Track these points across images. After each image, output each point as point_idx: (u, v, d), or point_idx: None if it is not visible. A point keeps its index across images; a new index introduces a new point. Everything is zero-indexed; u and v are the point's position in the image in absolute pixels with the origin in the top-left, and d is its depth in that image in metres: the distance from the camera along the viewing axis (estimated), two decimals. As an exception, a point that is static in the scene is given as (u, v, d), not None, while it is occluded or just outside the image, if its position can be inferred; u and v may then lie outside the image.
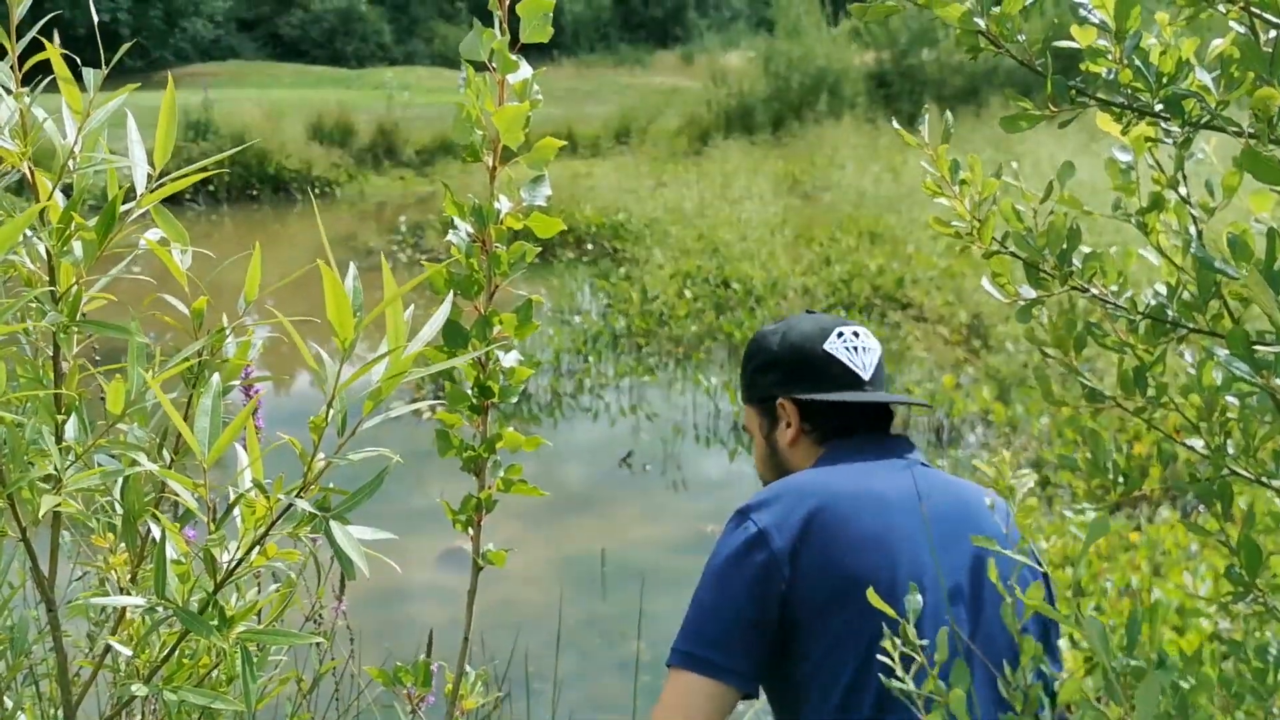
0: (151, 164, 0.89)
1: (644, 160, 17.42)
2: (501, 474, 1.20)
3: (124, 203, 0.87)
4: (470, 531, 1.21)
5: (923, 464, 1.71)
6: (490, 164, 1.17)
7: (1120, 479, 1.09)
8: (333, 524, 0.79)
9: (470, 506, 1.20)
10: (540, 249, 1.18)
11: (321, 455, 0.83)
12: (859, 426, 1.74)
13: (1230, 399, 1.17)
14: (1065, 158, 1.13)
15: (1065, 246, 0.99)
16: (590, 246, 12.45)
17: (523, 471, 1.22)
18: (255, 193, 16.50)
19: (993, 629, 1.58)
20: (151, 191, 0.83)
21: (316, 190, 16.92)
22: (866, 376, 1.73)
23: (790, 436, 1.78)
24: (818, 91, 19.92)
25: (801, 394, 1.75)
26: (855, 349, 1.76)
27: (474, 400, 1.18)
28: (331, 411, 0.82)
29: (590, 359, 8.38)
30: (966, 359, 7.51)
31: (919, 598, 1.52)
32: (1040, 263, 1.00)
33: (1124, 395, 1.08)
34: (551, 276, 11.19)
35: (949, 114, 1.11)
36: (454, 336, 1.16)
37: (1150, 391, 1.08)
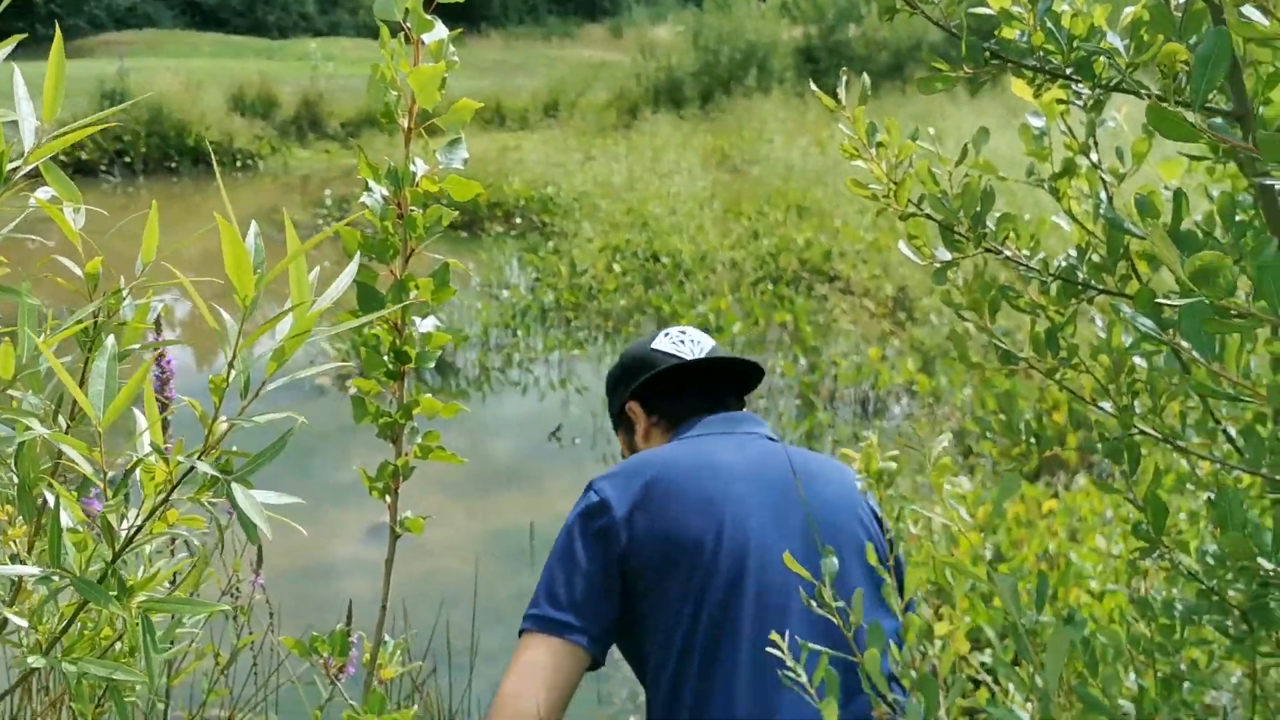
0: (39, 119, 0.85)
1: (572, 134, 17.32)
2: (419, 440, 1.18)
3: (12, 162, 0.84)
4: (388, 500, 1.19)
5: (771, 438, 1.78)
6: (405, 126, 1.14)
7: (1033, 440, 1.10)
8: (234, 487, 0.77)
9: (387, 474, 1.18)
10: (457, 211, 1.16)
11: (224, 418, 0.81)
12: (701, 408, 1.83)
13: (1139, 362, 1.19)
14: (974, 124, 1.14)
15: (979, 208, 1.00)
16: (518, 220, 12.37)
17: (441, 439, 1.20)
18: (174, 165, 16.10)
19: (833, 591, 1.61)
20: (39, 148, 0.80)
21: (239, 163, 16.57)
22: (700, 354, 1.85)
23: (643, 432, 1.88)
24: (746, 66, 19.96)
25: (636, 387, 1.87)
26: (681, 341, 1.87)
27: (390, 366, 1.16)
28: (234, 373, 0.79)
29: (519, 333, 8.33)
30: (892, 331, 7.61)
31: (736, 558, 1.57)
32: (955, 225, 1.01)
33: (1036, 357, 1.09)
34: (479, 250, 11.10)
35: (865, 77, 1.11)
36: (369, 301, 1.14)
37: (1062, 353, 1.10)
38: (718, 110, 18.54)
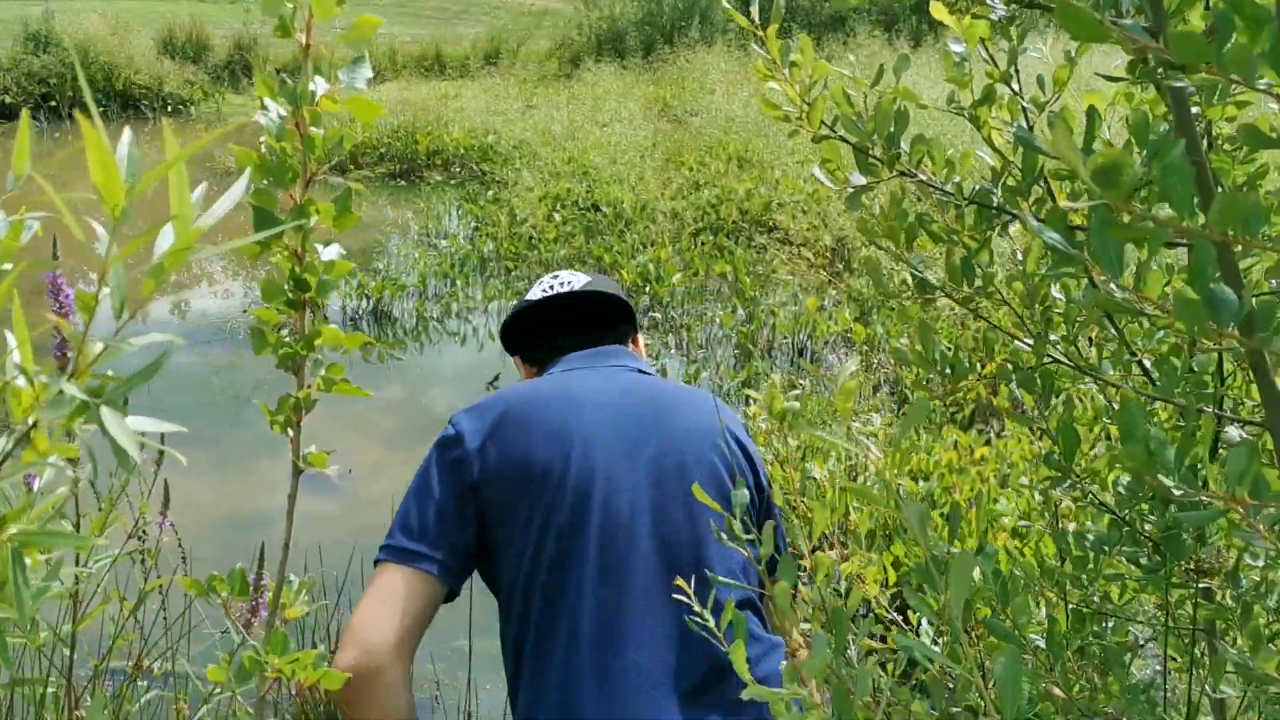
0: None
1: (513, 83, 17.09)
2: (323, 373, 1.14)
3: None
4: (290, 433, 1.15)
5: (643, 371, 1.78)
6: (303, 41, 1.09)
7: (948, 370, 1.09)
8: (104, 410, 0.73)
9: (288, 407, 1.14)
10: (363, 126, 1.10)
11: (99, 339, 0.76)
12: (567, 346, 1.84)
13: (1057, 295, 1.18)
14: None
15: (893, 129, 0.97)
16: (458, 169, 12.20)
17: (344, 371, 1.16)
18: (103, 109, 15.64)
19: (674, 529, 1.60)
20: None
21: (169, 108, 16.14)
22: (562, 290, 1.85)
23: (526, 378, 1.89)
24: (689, 17, 19.79)
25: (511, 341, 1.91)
26: (551, 287, 1.88)
27: (289, 295, 1.11)
28: (105, 290, 0.75)
29: (457, 282, 8.24)
30: (830, 281, 7.63)
31: (582, 489, 1.56)
32: (869, 147, 0.98)
33: (952, 285, 1.07)
34: (417, 199, 10.94)
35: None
36: (266, 225, 1.09)
37: (978, 282, 1.08)
38: (660, 61, 18.39)
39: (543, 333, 1.89)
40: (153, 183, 0.74)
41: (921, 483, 4.38)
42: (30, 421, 0.76)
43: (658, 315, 7.50)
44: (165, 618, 1.67)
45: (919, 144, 0.98)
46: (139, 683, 1.66)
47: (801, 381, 5.60)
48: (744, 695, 0.99)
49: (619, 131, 12.28)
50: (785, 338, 6.72)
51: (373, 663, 1.45)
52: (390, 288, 7.75)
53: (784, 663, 1.00)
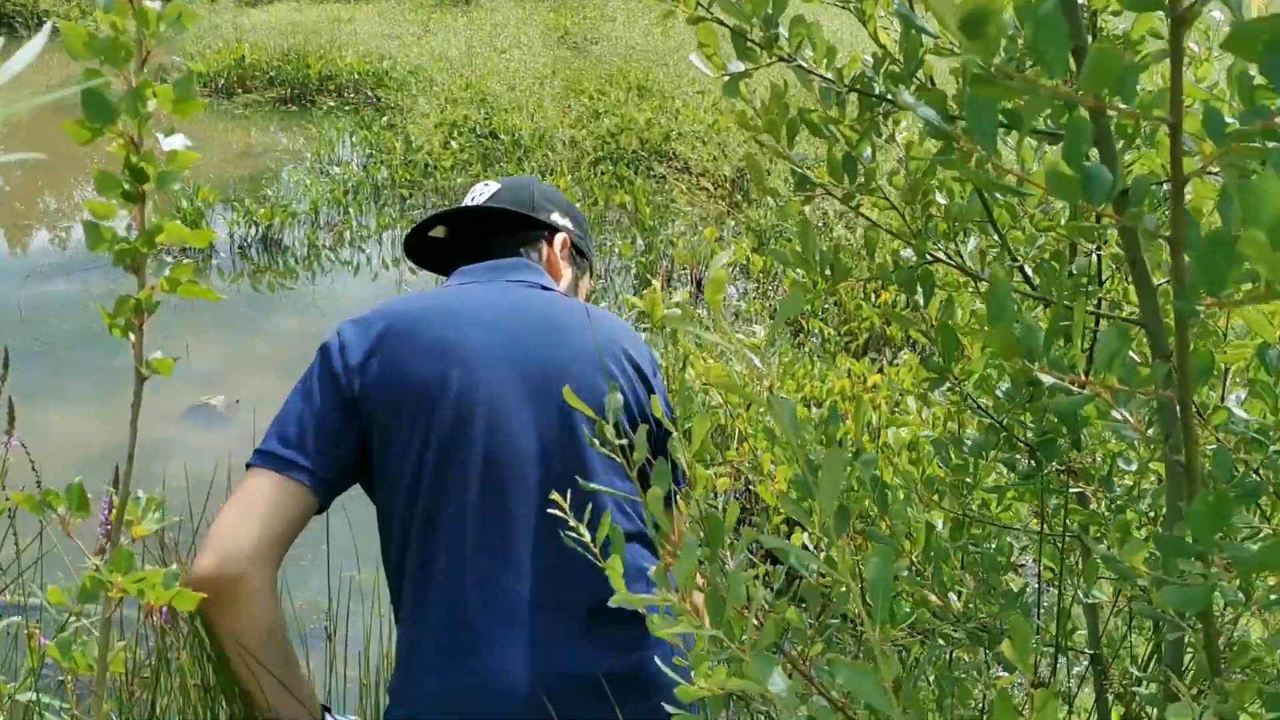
0: None
1: (409, 7, 16.61)
2: (167, 273, 1.06)
3: None
4: (131, 338, 1.07)
5: (545, 287, 1.70)
6: (137, -92, 0.99)
7: (828, 270, 1.05)
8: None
9: (128, 308, 1.05)
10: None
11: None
12: (468, 256, 1.78)
13: (940, 199, 1.15)
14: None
15: (770, 10, 0.92)
16: (351, 94, 11.84)
17: (192, 271, 1.08)
18: (-30, 27, 14.82)
19: (558, 456, 1.55)
20: None
21: (43, 25, 15.34)
22: (468, 204, 1.78)
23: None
24: (592, -59, 19.42)
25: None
26: (473, 197, 1.81)
27: (126, 186, 1.03)
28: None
29: (351, 210, 8.02)
30: (729, 212, 7.61)
31: (463, 408, 1.52)
32: (747, 30, 0.93)
33: (833, 182, 1.04)
34: (309, 124, 10.61)
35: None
36: (97, 109, 1.00)
37: (860, 179, 1.04)
38: (561, -13, 18.06)
39: (455, 245, 1.83)
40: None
41: (815, 409, 4.42)
42: None
43: (556, 245, 7.41)
44: (16, 543, 1.58)
45: (798, 26, 0.94)
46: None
47: (700, 312, 5.58)
48: (612, 603, 0.95)
49: (518, 58, 12.04)
50: (684, 268, 6.70)
51: (233, 569, 1.38)
52: (281, 215, 7.51)
53: (653, 568, 0.97)
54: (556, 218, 1.84)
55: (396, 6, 16.60)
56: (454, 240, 1.86)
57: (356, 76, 11.97)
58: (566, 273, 1.83)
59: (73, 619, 1.50)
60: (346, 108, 11.43)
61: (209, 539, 1.40)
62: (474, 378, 1.53)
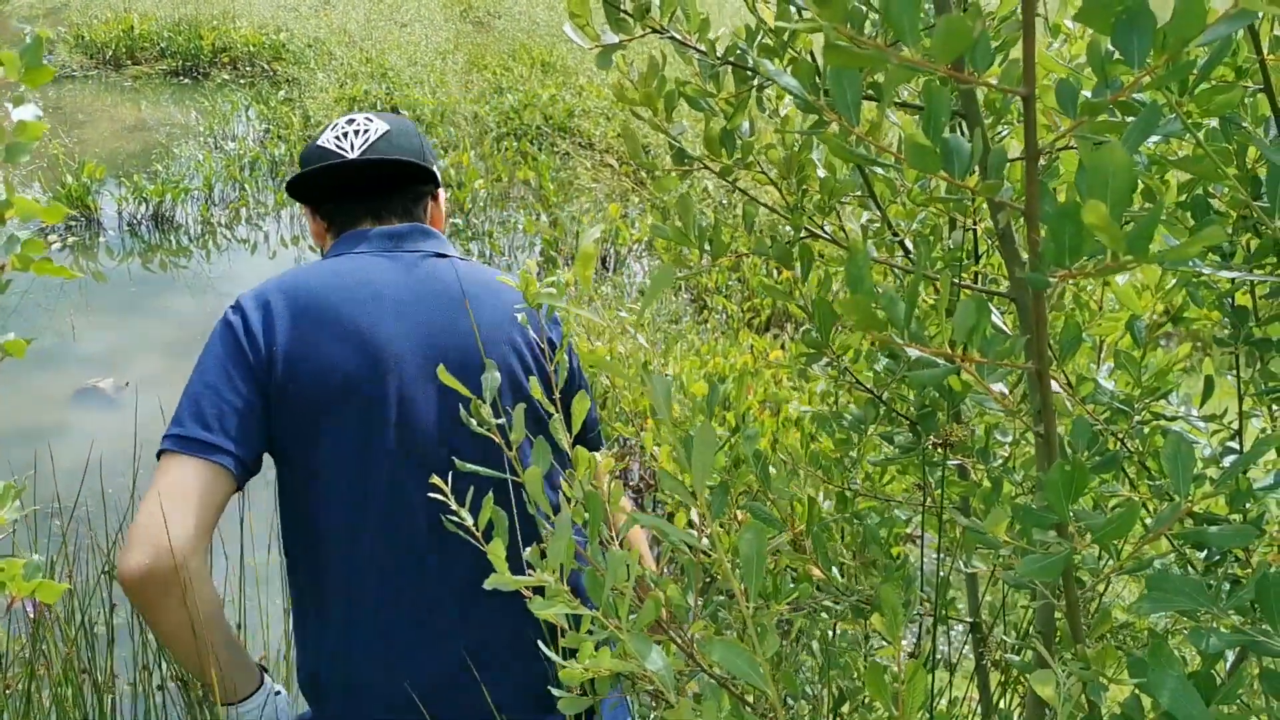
0: None
1: (308, -22, 16.21)
2: (19, 250, 1.01)
3: None
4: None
5: (440, 254, 1.66)
6: None
7: (707, 244, 1.05)
8: None
9: (-24, 287, 1.00)
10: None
11: None
12: (363, 214, 1.69)
13: (822, 173, 1.15)
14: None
15: (643, -21, 0.91)
16: (247, 67, 11.52)
17: (46, 249, 1.03)
18: None
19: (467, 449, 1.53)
20: None
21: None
22: (352, 155, 1.64)
23: (317, 234, 1.72)
24: (495, -85, 19.15)
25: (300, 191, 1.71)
26: (345, 134, 1.67)
27: (-29, 158, 0.97)
28: None
29: (246, 187, 7.82)
30: (633, 189, 7.60)
31: (382, 398, 1.50)
32: (619, 1, 0.92)
33: (710, 156, 1.03)
34: (202, 98, 10.29)
35: None
36: (-64, 77, 0.94)
37: (737, 153, 1.04)
38: (464, -40, 17.78)
39: (346, 198, 1.69)
40: None
41: (719, 384, 4.42)
42: None
43: (459, 222, 7.32)
44: None
45: (669, -2, 0.92)
46: None
47: (604, 290, 5.57)
48: (487, 584, 0.94)
49: (419, 32, 11.84)
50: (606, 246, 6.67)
51: (168, 561, 1.34)
52: (173, 191, 7.28)
53: (530, 548, 0.96)
54: (437, 167, 1.77)
55: (294, -23, 16.19)
56: (342, 187, 1.71)
57: (252, 49, 11.65)
58: (445, 222, 1.80)
59: (-66, 613, 1.44)
60: (241, 81, 11.12)
61: (135, 532, 1.35)
62: (391, 370, 1.51)
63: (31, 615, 1.52)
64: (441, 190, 1.78)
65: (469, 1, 14.47)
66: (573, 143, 8.57)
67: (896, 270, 1.18)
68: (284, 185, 1.74)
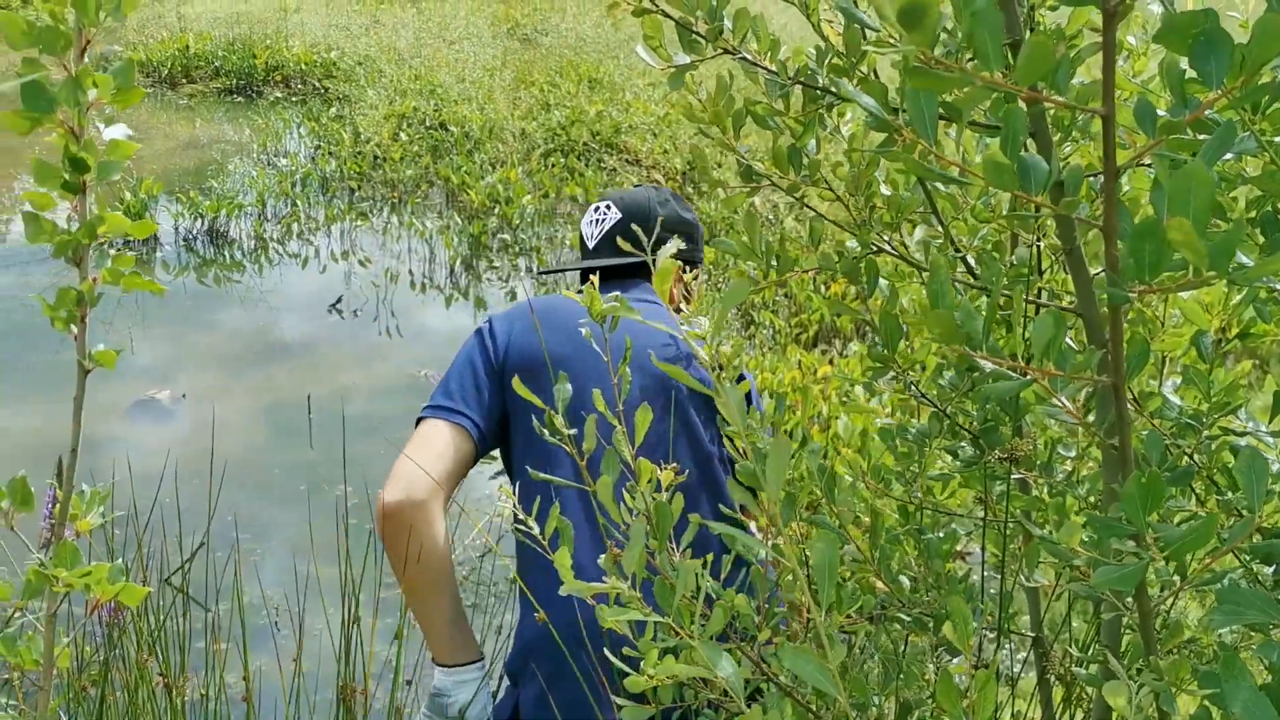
0: None
1: (357, -3, 16.46)
2: (109, 264, 1.05)
3: None
4: (73, 330, 1.06)
5: (654, 302, 1.92)
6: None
7: (774, 260, 1.06)
8: None
9: (70, 300, 1.04)
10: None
11: None
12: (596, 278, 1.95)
13: (884, 190, 1.16)
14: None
15: (715, 2, 0.93)
16: (299, 85, 11.71)
17: (134, 263, 1.07)
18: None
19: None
20: None
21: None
22: (591, 245, 2.02)
23: None
24: (541, -67, 19.33)
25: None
26: (593, 222, 2.05)
27: (67, 176, 1.01)
28: None
29: (298, 202, 7.93)
30: (680, 204, 7.61)
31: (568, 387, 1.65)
32: (692, 22, 0.94)
33: (778, 173, 1.05)
34: (255, 116, 10.47)
35: None
36: (36, 99, 0.98)
37: (804, 170, 1.05)
38: (511, -22, 17.95)
39: (583, 274, 2.03)
40: None
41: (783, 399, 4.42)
42: None
43: (507, 237, 7.38)
44: (-45, 539, 1.54)
45: (743, 19, 0.94)
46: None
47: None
48: (561, 592, 0.96)
49: (467, 50, 11.96)
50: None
51: (416, 496, 1.62)
52: (226, 207, 7.41)
53: (603, 556, 0.98)
54: (671, 244, 1.96)
55: (344, -3, 16.43)
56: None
57: (304, 67, 11.84)
58: (677, 290, 2.04)
59: (17, 615, 1.48)
60: (294, 99, 11.30)
61: (393, 476, 1.65)
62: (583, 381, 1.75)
63: (107, 619, 1.57)
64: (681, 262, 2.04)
65: (516, 19, 14.60)
66: (619, 158, 8.62)
67: (958, 285, 1.19)
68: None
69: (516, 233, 7.47)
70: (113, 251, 1.06)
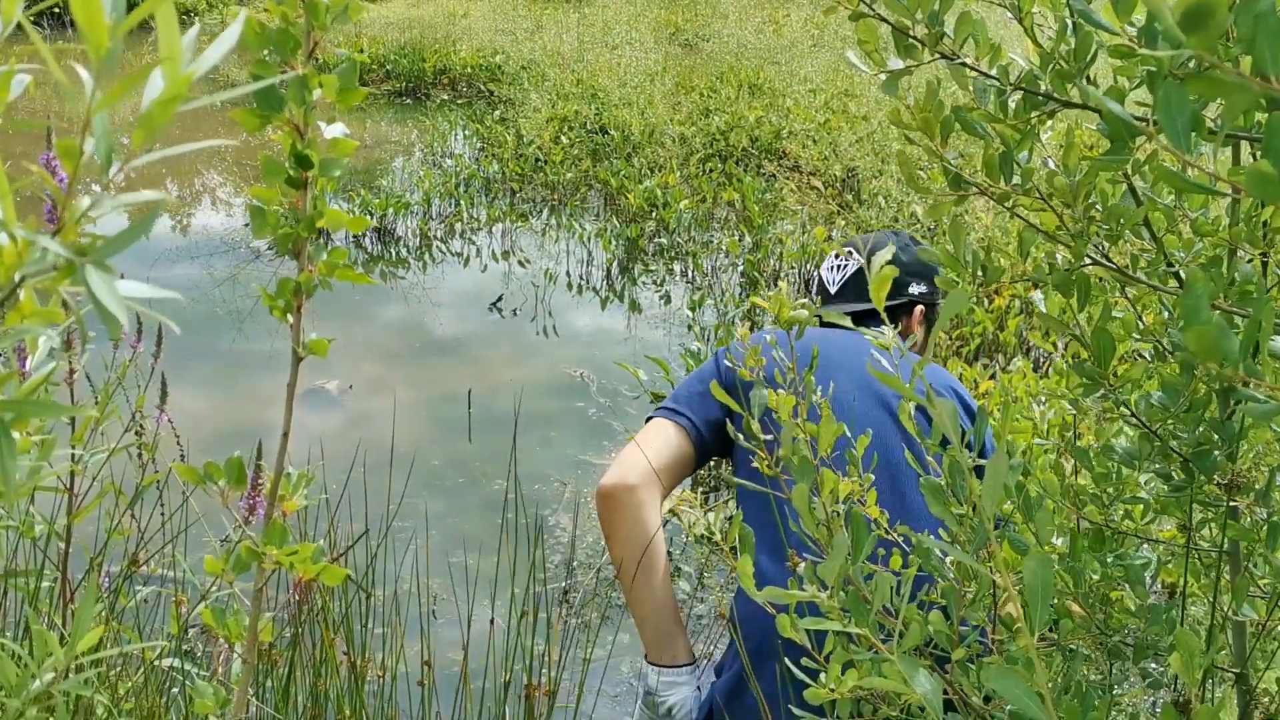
0: None
1: (523, 2, 16.79)
2: (325, 258, 1.09)
3: None
4: (290, 319, 1.11)
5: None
6: (309, -97, 1.02)
7: (981, 270, 1.04)
8: (90, 271, 0.68)
9: (289, 290, 1.09)
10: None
11: (85, 197, 0.71)
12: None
13: (1096, 206, 1.12)
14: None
15: (937, 7, 0.91)
16: (464, 88, 12.02)
17: (347, 256, 1.11)
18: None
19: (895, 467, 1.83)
20: None
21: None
22: (832, 290, 2.15)
23: None
24: (704, -61, 19.38)
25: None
26: (834, 268, 2.17)
27: (291, 173, 1.06)
28: (91, 141, 0.69)
29: (461, 202, 8.14)
30: (839, 212, 7.53)
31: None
32: (909, 26, 0.92)
33: (989, 181, 1.02)
34: (423, 118, 10.79)
35: None
36: (267, 99, 1.03)
37: (1016, 179, 1.02)
38: (673, -16, 18.05)
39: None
40: (138, 19, 0.68)
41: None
42: (16, 279, 0.72)
43: (664, 241, 7.42)
44: (163, 514, 1.64)
45: (964, 23, 0.92)
46: (134, 579, 1.63)
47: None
48: (757, 598, 0.95)
49: (629, 55, 12.08)
50: (792, 267, 6.65)
51: (629, 479, 1.78)
52: (394, 206, 7.66)
53: (804, 564, 0.97)
54: (914, 289, 2.11)
55: (509, 2, 16.79)
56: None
57: (470, 71, 12.15)
58: (918, 331, 2.14)
59: (214, 589, 1.56)
60: (459, 101, 11.61)
61: (619, 460, 1.83)
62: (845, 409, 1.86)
63: (298, 598, 1.64)
64: (917, 308, 2.12)
65: (678, 24, 14.68)
66: (778, 165, 8.57)
67: (1166, 301, 1.14)
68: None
69: (673, 237, 7.50)
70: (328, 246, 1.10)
